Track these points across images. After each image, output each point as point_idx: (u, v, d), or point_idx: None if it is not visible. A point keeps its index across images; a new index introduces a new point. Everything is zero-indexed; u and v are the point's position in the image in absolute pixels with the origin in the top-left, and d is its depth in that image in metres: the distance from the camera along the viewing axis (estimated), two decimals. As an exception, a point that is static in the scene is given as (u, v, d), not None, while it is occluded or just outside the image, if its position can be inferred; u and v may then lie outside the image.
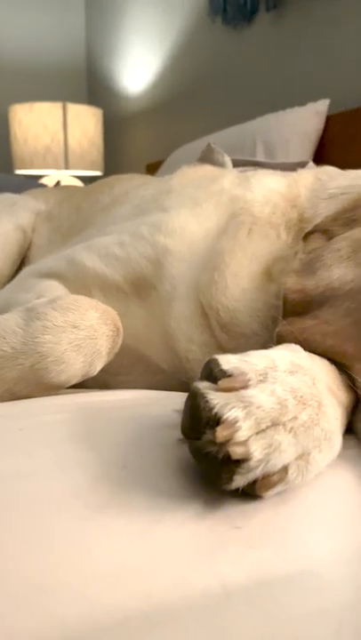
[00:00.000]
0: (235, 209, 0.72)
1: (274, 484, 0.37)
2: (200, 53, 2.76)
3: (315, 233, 0.61)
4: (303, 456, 0.39)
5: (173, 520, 0.36)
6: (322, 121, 1.89)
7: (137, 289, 0.72)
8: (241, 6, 2.39)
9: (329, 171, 0.79)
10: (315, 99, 1.96)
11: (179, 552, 0.34)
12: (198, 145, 2.09)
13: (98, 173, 3.13)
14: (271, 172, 0.82)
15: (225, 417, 0.36)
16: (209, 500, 0.38)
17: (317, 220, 0.64)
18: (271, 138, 1.93)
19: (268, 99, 2.28)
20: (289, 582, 0.35)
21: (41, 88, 3.61)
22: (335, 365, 0.52)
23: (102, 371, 0.66)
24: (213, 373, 0.40)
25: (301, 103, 1.98)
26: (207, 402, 0.37)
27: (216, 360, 0.41)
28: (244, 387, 0.39)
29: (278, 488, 0.38)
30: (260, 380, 0.40)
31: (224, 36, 2.56)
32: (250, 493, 0.38)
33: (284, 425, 0.37)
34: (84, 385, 0.65)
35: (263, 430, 0.36)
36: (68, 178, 3.05)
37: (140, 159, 3.21)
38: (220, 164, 1.42)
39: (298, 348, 0.47)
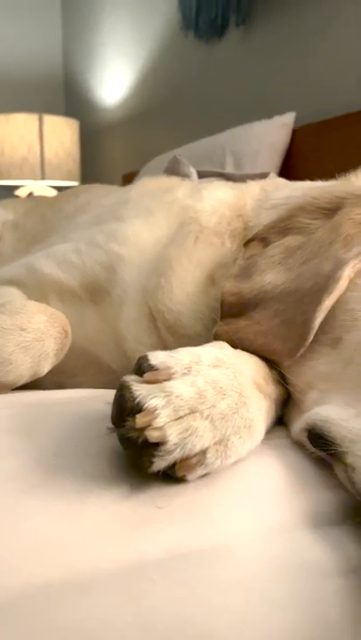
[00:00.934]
0: (185, 218, 0.76)
1: (193, 467, 0.41)
2: (174, 67, 2.82)
3: (254, 241, 0.65)
4: (222, 441, 0.42)
5: (99, 501, 0.39)
6: (288, 133, 1.95)
7: (92, 294, 0.75)
8: (212, 21, 2.46)
9: (276, 182, 0.84)
10: (282, 112, 2.02)
11: (101, 529, 0.38)
12: (171, 156, 2.14)
13: (75, 184, 3.16)
14: (223, 183, 0.86)
15: (146, 405, 0.39)
16: (135, 484, 0.42)
17: (258, 229, 0.68)
18: (240, 149, 1.98)
19: (238, 111, 2.34)
20: (203, 556, 0.39)
21: (19, 100, 3.64)
22: (267, 362, 0.56)
23: (58, 372, 0.70)
24: (142, 368, 0.44)
25: (270, 116, 2.03)
26: (132, 392, 0.41)
27: (146, 356, 0.45)
28: (168, 379, 0.42)
29: (199, 471, 0.42)
30: (184, 373, 0.44)
31: (197, 50, 2.63)
32: (173, 476, 0.41)
33: (201, 412, 0.41)
34: (40, 386, 0.68)
35: (181, 417, 0.40)
36: (44, 188, 3.08)
37: (117, 170, 3.26)
38: (186, 175, 1.47)
39: (225, 345, 0.51)
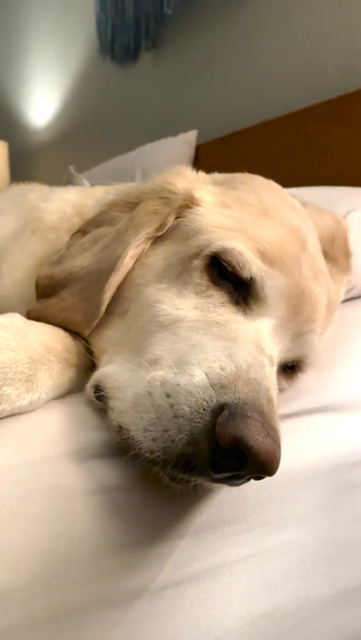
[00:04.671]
0: (30, 217, 0.84)
1: None
2: (95, 90, 2.94)
3: (77, 232, 0.74)
4: None
5: None
6: (192, 149, 2.08)
7: None
8: (126, 46, 2.59)
9: (121, 185, 0.93)
10: (188, 130, 2.15)
11: None
12: (95, 172, 2.24)
13: (4, 203, 3.22)
14: (76, 187, 0.95)
15: None
16: None
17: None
18: (148, 165, 2.09)
19: (150, 130, 2.46)
20: None
21: None
22: (73, 334, 0.64)
23: None
24: None
25: (176, 134, 2.16)
26: None
27: None
28: None
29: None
30: None
31: (114, 74, 2.75)
32: None
33: None
34: None
35: None
36: (-27, 207, 3.12)
37: (46, 188, 3.33)
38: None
39: (17, 315, 0.59)
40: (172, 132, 2.22)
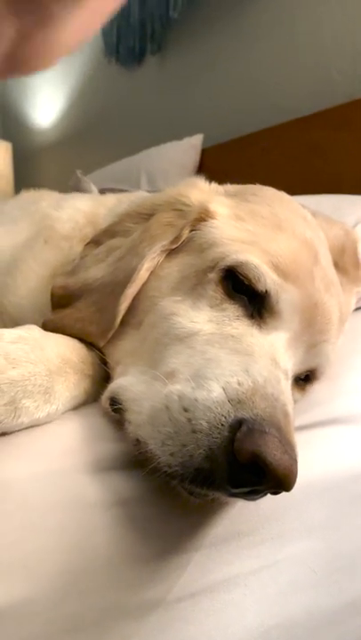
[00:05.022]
0: (43, 226, 0.85)
1: None
2: (99, 91, 2.95)
3: (90, 243, 0.74)
4: (12, 403, 0.51)
5: None
6: (197, 153, 2.08)
7: None
8: (131, 49, 2.59)
9: (132, 195, 0.93)
10: (193, 133, 2.16)
11: None
12: (99, 174, 2.24)
13: (7, 203, 3.22)
14: (87, 195, 0.96)
15: None
16: None
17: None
18: (153, 169, 2.10)
19: (155, 133, 2.46)
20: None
21: None
22: (87, 344, 0.65)
23: None
24: None
25: (180, 137, 2.17)
26: None
27: None
28: None
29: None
30: None
31: (119, 76, 2.76)
32: None
33: None
34: None
35: None
36: (-24, 208, 3.12)
37: (50, 189, 3.33)
38: (86, 191, 1.56)
39: (33, 327, 0.59)
40: (177, 135, 2.23)
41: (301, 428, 0.62)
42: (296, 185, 1.14)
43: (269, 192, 0.74)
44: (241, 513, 0.54)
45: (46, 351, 0.57)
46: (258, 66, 2.03)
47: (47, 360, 0.56)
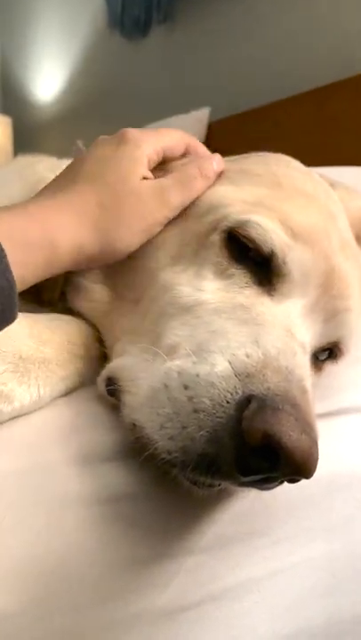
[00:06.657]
0: (37, 189, 0.77)
1: None
2: (102, 64, 2.85)
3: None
4: None
5: None
6: (204, 127, 2.00)
7: None
8: (136, 19, 2.49)
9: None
10: (199, 107, 2.07)
11: None
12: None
13: (7, 180, 3.14)
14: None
15: None
16: None
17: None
18: (158, 143, 2.01)
19: (161, 107, 2.37)
20: None
21: None
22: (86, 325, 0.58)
23: None
24: None
25: (187, 111, 2.08)
26: None
27: None
28: None
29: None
30: None
31: (123, 48, 2.66)
32: None
33: None
34: None
35: None
36: (-25, 184, 3.04)
37: (51, 166, 3.25)
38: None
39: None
40: (184, 109, 2.14)
41: (323, 415, 0.55)
42: (312, 160, 1.06)
43: (262, 153, 0.67)
44: (253, 510, 0.48)
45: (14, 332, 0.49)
46: (273, 34, 1.93)
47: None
